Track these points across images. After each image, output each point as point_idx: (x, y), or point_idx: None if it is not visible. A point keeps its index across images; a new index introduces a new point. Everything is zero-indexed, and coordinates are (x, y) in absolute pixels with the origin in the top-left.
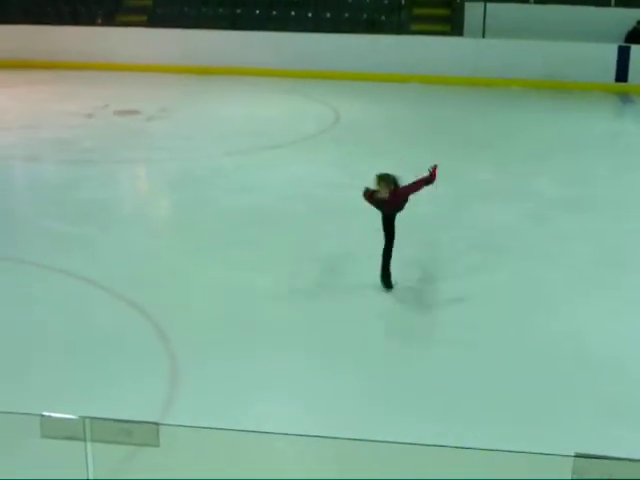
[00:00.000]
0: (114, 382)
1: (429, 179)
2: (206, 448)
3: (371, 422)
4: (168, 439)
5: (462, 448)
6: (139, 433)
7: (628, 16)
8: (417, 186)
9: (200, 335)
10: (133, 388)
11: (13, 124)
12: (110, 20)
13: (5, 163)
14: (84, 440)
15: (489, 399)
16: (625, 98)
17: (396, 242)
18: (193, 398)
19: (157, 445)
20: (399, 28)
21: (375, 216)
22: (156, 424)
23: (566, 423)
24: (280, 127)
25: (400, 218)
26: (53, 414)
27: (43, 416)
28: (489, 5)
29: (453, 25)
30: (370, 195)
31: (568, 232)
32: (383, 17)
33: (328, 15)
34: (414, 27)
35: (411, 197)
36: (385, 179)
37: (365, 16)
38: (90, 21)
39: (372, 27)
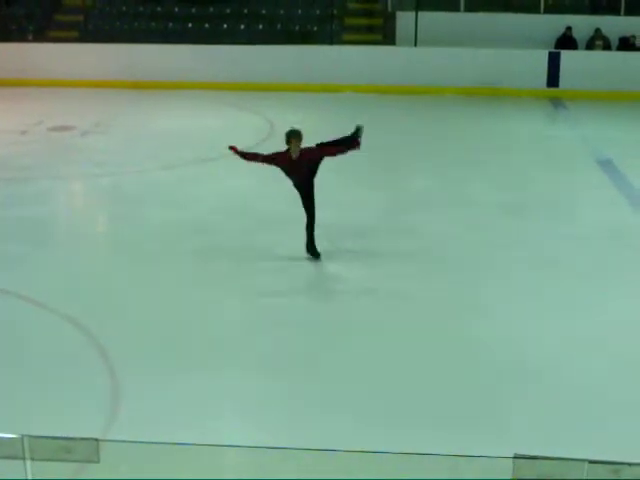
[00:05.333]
0: (54, 399)
1: (352, 145)
2: (148, 463)
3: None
4: (109, 455)
5: (401, 454)
6: (79, 450)
7: (557, 22)
8: (335, 150)
9: (139, 349)
10: (73, 404)
11: None
12: (41, 36)
13: None
14: (23, 459)
15: (429, 404)
16: (557, 103)
17: (333, 251)
18: (134, 413)
19: (97, 461)
20: (331, 38)
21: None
22: (96, 440)
23: (505, 426)
24: (215, 140)
25: (337, 224)
26: None
27: None
28: (420, 14)
29: (385, 34)
30: (272, 157)
31: (504, 237)
32: (315, 28)
33: (261, 27)
34: (346, 37)
35: (344, 199)
36: (297, 135)
37: (297, 27)
38: (21, 37)
39: (305, 38)
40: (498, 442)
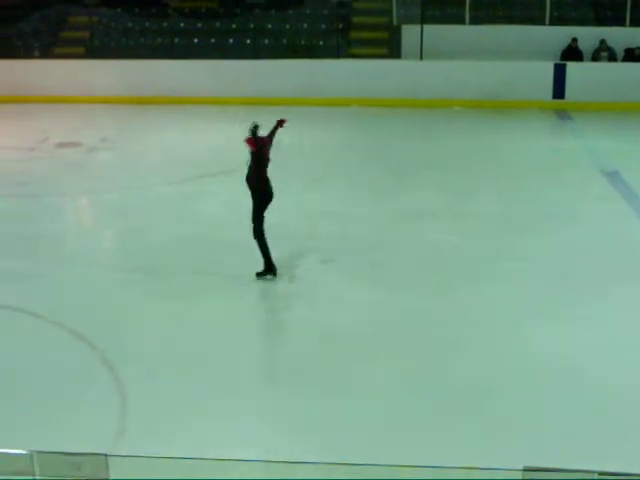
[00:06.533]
0: (63, 415)
1: (280, 124)
2: (156, 477)
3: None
4: (118, 470)
5: (415, 467)
6: (88, 465)
7: (563, 34)
8: (272, 135)
9: (148, 364)
10: (83, 420)
11: None
12: (48, 53)
13: None
14: (33, 475)
15: (439, 418)
16: (562, 115)
17: (338, 262)
18: (144, 427)
19: (107, 477)
20: (337, 52)
21: (311, 238)
22: (105, 455)
23: (518, 437)
24: (220, 155)
25: (337, 239)
26: (1, 449)
27: None
28: (426, 27)
29: (391, 48)
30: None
31: (511, 250)
32: (321, 42)
33: (267, 42)
34: (352, 51)
35: (349, 211)
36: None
37: (303, 42)
38: (27, 54)
39: (310, 52)
40: (507, 454)
